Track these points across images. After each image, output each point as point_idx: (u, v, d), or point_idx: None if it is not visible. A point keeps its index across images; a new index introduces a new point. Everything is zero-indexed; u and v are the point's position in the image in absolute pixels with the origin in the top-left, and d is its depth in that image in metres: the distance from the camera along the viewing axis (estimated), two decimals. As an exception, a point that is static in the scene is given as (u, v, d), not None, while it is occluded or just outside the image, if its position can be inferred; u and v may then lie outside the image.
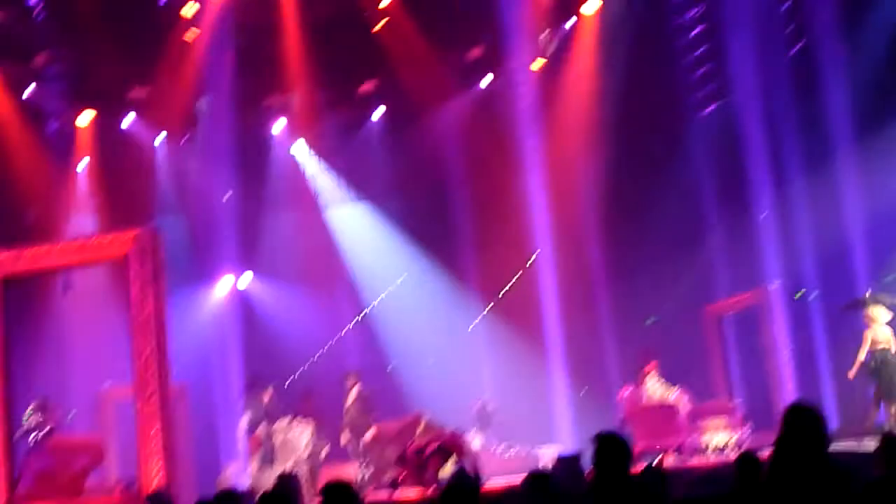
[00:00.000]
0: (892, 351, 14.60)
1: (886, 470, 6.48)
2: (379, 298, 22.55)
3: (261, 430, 16.32)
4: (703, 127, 19.54)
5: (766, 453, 11.75)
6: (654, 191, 20.65)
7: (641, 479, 7.10)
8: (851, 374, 14.88)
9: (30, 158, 19.01)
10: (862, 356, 14.72)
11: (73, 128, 19.77)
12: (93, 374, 18.89)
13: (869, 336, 14.77)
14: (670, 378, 16.70)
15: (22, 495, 12.47)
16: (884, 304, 14.91)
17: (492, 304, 22.26)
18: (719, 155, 18.89)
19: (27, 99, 19.37)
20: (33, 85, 19.34)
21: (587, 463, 11.16)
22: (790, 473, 4.89)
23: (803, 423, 5.39)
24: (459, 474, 12.73)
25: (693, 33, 19.42)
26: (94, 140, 19.97)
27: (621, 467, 5.66)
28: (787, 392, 16.68)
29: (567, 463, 11.06)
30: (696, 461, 13.89)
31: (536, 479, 5.57)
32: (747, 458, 7.38)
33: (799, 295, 17.97)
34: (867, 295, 15.22)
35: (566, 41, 20.40)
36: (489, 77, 21.21)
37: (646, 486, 6.80)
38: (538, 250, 20.59)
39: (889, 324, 14.82)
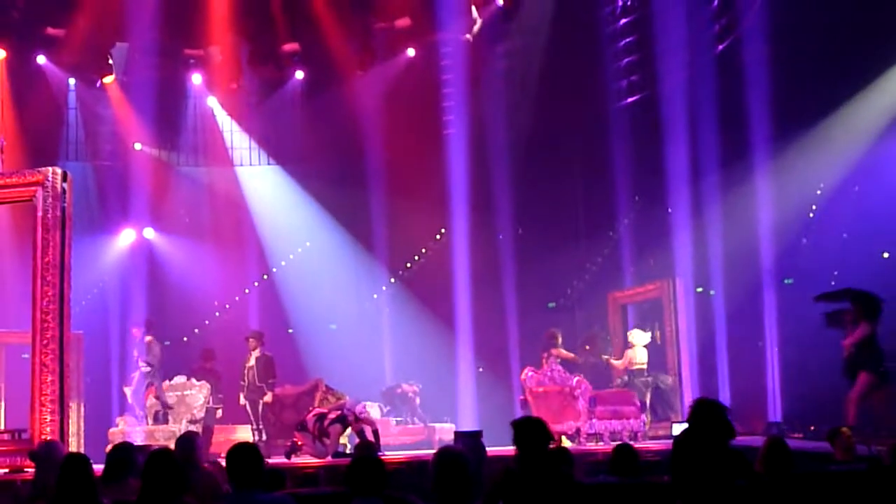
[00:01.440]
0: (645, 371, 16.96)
1: (766, 470, 6.63)
2: (284, 261, 22.35)
3: (156, 385, 16.08)
4: (623, 117, 19.60)
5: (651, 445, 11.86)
6: (570, 176, 20.79)
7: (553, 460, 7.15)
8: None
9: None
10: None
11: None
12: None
13: (629, 355, 16.99)
14: (571, 363, 16.82)
15: None
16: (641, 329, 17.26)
17: (399, 273, 22.22)
18: (637, 146, 18.99)
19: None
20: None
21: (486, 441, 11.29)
22: (695, 460, 4.96)
23: (711, 415, 5.62)
24: (362, 445, 12.70)
25: (622, 22, 19.47)
26: (5, 77, 19.38)
27: (544, 447, 5.70)
28: (685, 384, 16.90)
29: (468, 439, 11.08)
30: (592, 447, 13.99)
31: (448, 455, 5.51)
32: (623, 449, 7.53)
33: (701, 289, 18.19)
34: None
35: (495, 18, 20.31)
36: (414, 48, 21.03)
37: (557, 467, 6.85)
38: (445, 226, 20.60)
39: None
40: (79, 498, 5.88)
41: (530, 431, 5.77)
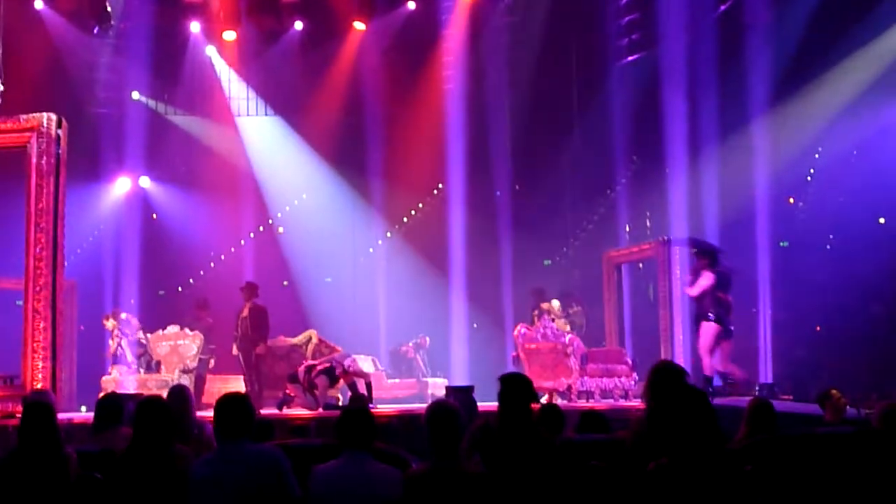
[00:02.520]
0: None
1: (749, 431, 6.67)
2: (281, 213, 22.33)
3: (148, 335, 16.11)
4: (623, 76, 19.54)
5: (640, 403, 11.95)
6: (567, 133, 20.75)
7: (541, 417, 7.19)
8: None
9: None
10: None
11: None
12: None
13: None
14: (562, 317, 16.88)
15: None
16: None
17: (395, 228, 22.21)
18: (636, 105, 18.94)
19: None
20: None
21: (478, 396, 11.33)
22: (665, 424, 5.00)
23: (670, 380, 5.70)
24: (354, 398, 12.74)
25: (623, -21, 19.36)
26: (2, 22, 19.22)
27: (525, 406, 5.73)
28: (676, 345, 16.92)
29: (460, 394, 11.12)
30: (583, 404, 14.04)
31: (440, 408, 5.53)
32: (590, 415, 7.59)
33: (696, 250, 18.19)
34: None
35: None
36: (413, 1, 20.88)
37: (545, 423, 6.89)
38: (443, 182, 20.59)
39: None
40: (40, 446, 5.88)
41: (514, 388, 5.79)
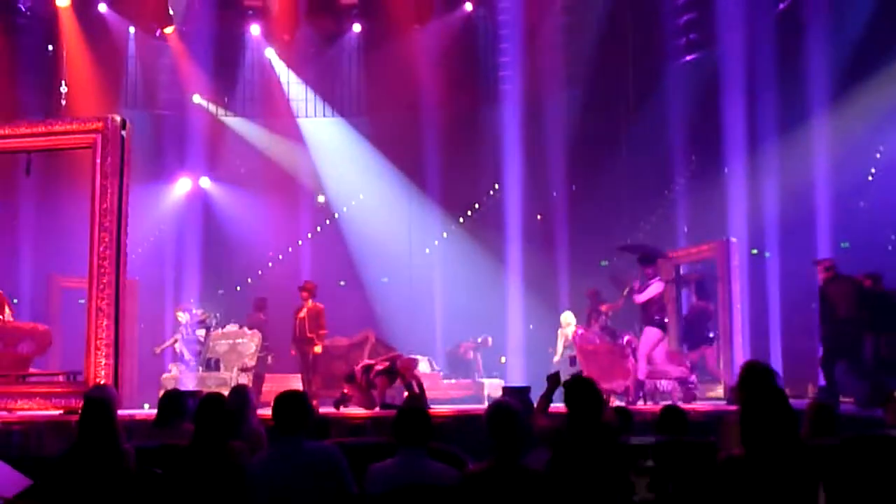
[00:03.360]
0: None
1: (811, 433, 6.63)
2: (338, 213, 22.46)
3: (210, 333, 16.29)
4: (681, 75, 19.42)
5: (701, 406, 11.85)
6: (624, 133, 20.66)
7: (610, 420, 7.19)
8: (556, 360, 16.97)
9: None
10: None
11: (47, 9, 19.29)
12: (43, 259, 18.70)
13: (564, 334, 17.28)
14: (622, 322, 16.78)
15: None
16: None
17: (452, 228, 22.24)
18: (694, 105, 18.82)
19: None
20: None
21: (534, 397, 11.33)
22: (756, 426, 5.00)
23: (760, 379, 5.66)
24: (411, 398, 12.78)
25: (681, -21, 19.27)
26: (69, 24, 19.53)
27: (596, 408, 5.72)
28: (735, 346, 16.79)
29: (517, 395, 11.12)
30: (642, 406, 13.98)
31: (502, 410, 5.55)
32: (671, 411, 7.54)
33: (756, 251, 18.05)
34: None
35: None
36: (471, 3, 20.95)
37: (614, 426, 6.88)
38: (499, 182, 20.60)
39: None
40: (99, 441, 5.98)
41: (582, 391, 5.79)
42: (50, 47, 19.66)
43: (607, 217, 20.65)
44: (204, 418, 5.91)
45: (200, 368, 16.11)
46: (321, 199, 22.37)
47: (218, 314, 17.32)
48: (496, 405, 5.65)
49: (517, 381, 17.20)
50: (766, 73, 17.10)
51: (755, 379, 5.90)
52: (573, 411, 5.76)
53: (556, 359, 17.43)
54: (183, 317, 16.60)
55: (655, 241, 19.79)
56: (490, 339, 19.23)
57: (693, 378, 15.52)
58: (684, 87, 19.10)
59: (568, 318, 17.61)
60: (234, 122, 21.94)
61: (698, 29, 19.07)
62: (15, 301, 18.27)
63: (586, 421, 5.68)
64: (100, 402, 6.17)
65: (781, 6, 17.72)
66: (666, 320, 14.57)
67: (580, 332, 15.50)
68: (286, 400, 5.76)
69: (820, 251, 16.50)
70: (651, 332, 14.27)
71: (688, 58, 19.38)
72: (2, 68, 18.52)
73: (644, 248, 15.68)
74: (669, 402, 10.90)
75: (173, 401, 7.62)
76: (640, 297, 14.40)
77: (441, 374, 18.46)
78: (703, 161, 19.40)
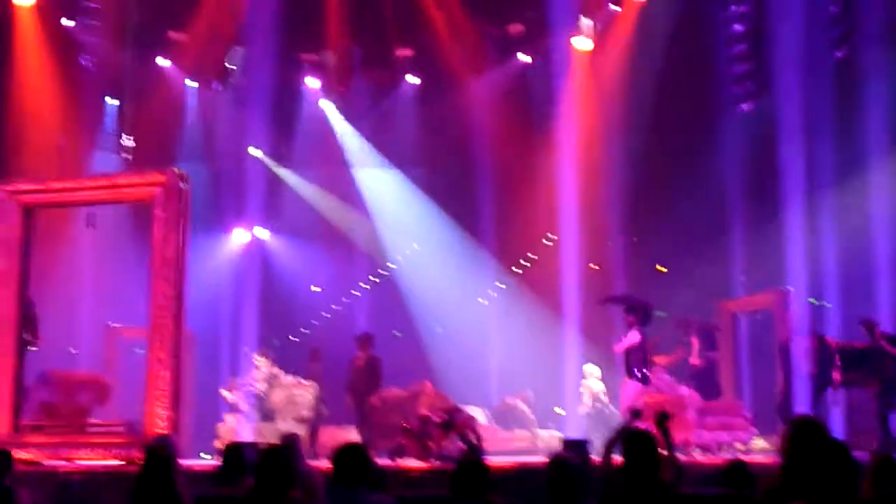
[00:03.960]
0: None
1: (873, 489, 6.48)
2: (393, 263, 22.53)
3: (265, 385, 16.33)
4: (737, 123, 19.37)
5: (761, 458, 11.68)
6: (680, 182, 20.50)
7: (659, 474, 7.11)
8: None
9: (61, 90, 18.94)
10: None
11: (107, 64, 19.62)
12: (102, 311, 18.89)
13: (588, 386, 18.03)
14: (679, 373, 16.64)
15: (25, 425, 12.48)
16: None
17: (507, 278, 22.20)
18: (751, 153, 18.74)
19: (64, 31, 19.26)
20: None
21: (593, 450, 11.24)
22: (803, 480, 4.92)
23: (807, 435, 5.56)
24: (470, 450, 12.70)
25: (736, 28, 19.20)
26: (128, 79, 19.86)
27: (652, 461, 5.66)
28: (796, 398, 16.57)
29: (575, 448, 11.03)
30: (700, 458, 13.83)
31: (561, 464, 5.50)
32: (737, 467, 7.41)
33: (814, 301, 17.84)
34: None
35: (608, 24, 20.24)
36: (527, 54, 21.04)
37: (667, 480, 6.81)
38: (555, 233, 20.54)
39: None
40: (160, 491, 6.02)
41: (639, 444, 5.73)
42: (111, 100, 19.99)
43: (664, 266, 20.53)
44: (265, 472, 5.90)
45: (257, 419, 16.14)
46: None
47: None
48: (555, 459, 5.61)
49: (574, 433, 17.04)
50: (823, 121, 16.99)
51: (806, 433, 5.78)
52: (630, 464, 5.71)
53: (581, 409, 17.40)
54: (261, 361, 16.63)
55: (712, 290, 19.65)
56: (531, 393, 19.08)
57: (753, 430, 15.36)
58: (740, 136, 19.04)
59: (591, 370, 17.93)
60: (290, 172, 22.15)
61: (755, 77, 19.01)
62: (74, 351, 18.49)
63: (643, 474, 5.62)
64: (159, 455, 6.21)
65: (839, 54, 17.63)
66: (647, 372, 14.34)
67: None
68: (346, 452, 5.75)
69: (881, 302, 16.31)
70: (630, 385, 14.14)
71: (744, 106, 19.32)
72: (65, 122, 18.85)
73: (630, 299, 15.57)
74: (732, 456, 10.75)
75: (236, 455, 7.56)
76: (619, 347, 14.44)
77: (497, 425, 18.35)
78: (760, 209, 19.25)
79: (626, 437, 5.79)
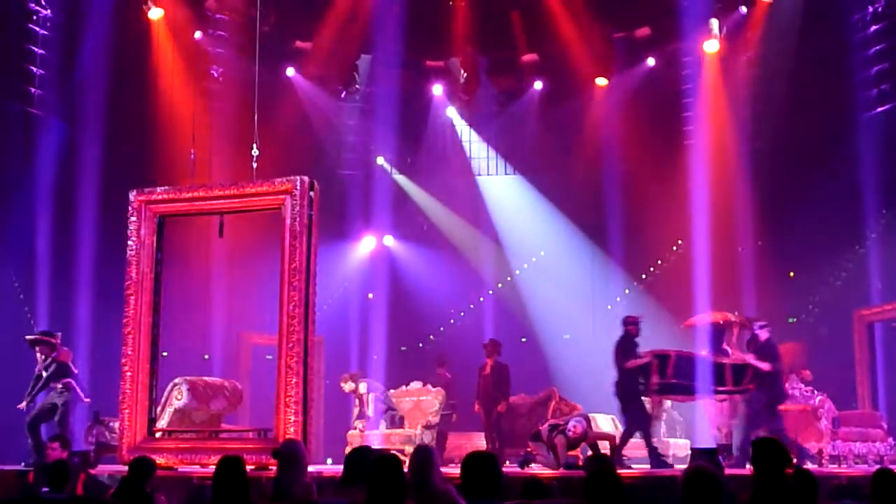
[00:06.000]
0: None
1: None
2: (520, 270, 22.49)
3: (393, 391, 16.41)
4: (872, 127, 18.84)
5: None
6: (813, 186, 20.03)
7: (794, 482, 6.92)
8: None
9: (193, 101, 19.34)
10: None
11: (238, 74, 19.96)
12: (232, 317, 19.22)
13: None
14: (812, 380, 16.24)
15: (160, 430, 12.75)
16: None
17: (634, 284, 21.98)
18: (886, 157, 18.22)
19: (195, 42, 19.69)
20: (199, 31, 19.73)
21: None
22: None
23: None
24: (599, 458, 12.57)
25: (872, 28, 18.69)
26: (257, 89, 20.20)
27: (781, 471, 5.52)
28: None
29: (705, 456, 10.85)
30: (835, 469, 13.47)
31: (701, 475, 5.38)
32: (884, 475, 7.13)
33: None
34: None
35: (739, 26, 19.91)
36: (654, 57, 20.83)
37: (798, 489, 6.62)
38: (682, 239, 20.29)
39: None
40: (230, 498, 6.10)
41: (769, 452, 5.59)
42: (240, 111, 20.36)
43: (796, 273, 20.09)
44: (378, 480, 5.82)
45: (383, 424, 16.24)
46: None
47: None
48: (694, 470, 5.49)
49: (704, 441, 16.75)
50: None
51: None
52: (760, 472, 5.56)
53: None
54: (347, 386, 16.67)
55: (847, 298, 19.13)
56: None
57: (892, 440, 14.92)
58: (876, 139, 18.51)
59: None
60: (416, 180, 22.29)
61: (891, 79, 18.48)
62: (207, 357, 18.86)
63: (773, 483, 5.48)
64: (230, 463, 6.34)
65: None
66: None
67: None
68: (477, 461, 5.70)
69: None
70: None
71: (879, 109, 18.78)
72: (198, 132, 19.24)
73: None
74: (880, 466, 10.39)
75: (359, 460, 7.55)
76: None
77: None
78: (896, 215, 18.74)
79: (757, 444, 5.65)
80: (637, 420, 14.03)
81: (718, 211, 19.39)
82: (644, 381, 13.87)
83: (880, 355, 17.71)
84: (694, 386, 14.01)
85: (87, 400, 13.96)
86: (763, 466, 5.59)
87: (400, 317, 20.95)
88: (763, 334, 14.24)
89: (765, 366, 13.88)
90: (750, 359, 14.05)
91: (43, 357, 13.63)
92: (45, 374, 13.54)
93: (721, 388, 14.08)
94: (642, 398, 14.18)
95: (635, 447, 17.05)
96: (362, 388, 16.20)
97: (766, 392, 13.88)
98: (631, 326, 14.33)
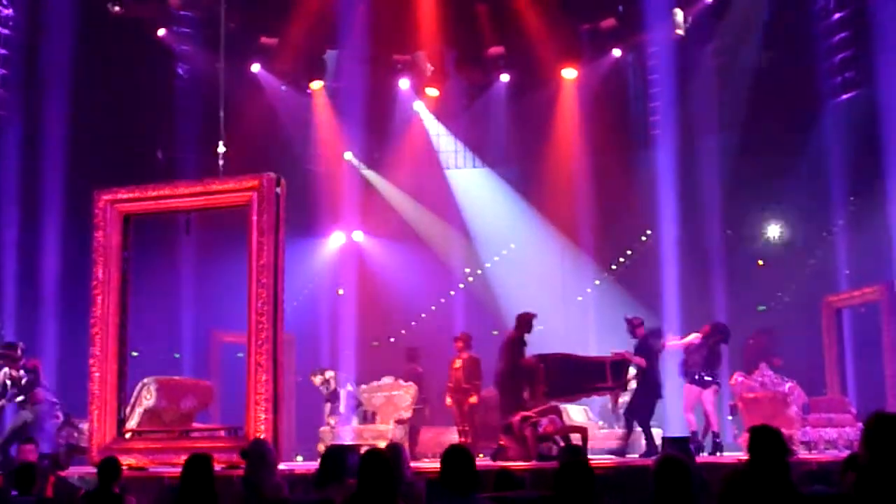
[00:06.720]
0: None
1: (870, 454, 6.14)
2: (489, 263, 22.48)
3: (364, 386, 16.38)
4: (838, 114, 18.94)
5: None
6: (780, 175, 20.17)
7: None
8: None
9: (158, 98, 19.25)
10: None
11: (204, 72, 19.85)
12: (202, 315, 19.12)
13: None
14: (782, 368, 16.32)
15: (129, 431, 12.66)
16: None
17: (604, 275, 22.02)
18: (852, 144, 18.32)
19: (159, 39, 19.58)
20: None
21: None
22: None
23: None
24: (571, 449, 12.55)
25: (836, 16, 18.78)
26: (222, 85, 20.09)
27: (781, 459, 5.49)
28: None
29: (676, 445, 10.87)
30: (805, 455, 13.53)
31: (671, 462, 5.38)
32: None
33: None
34: None
35: (703, 16, 19.95)
36: (620, 48, 20.86)
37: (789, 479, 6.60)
38: (651, 229, 20.36)
39: None
40: (198, 497, 6.08)
41: (768, 441, 5.56)
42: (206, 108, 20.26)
43: (765, 261, 20.19)
44: (367, 475, 5.81)
45: (356, 420, 16.20)
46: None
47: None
48: (665, 459, 5.49)
49: (675, 430, 16.80)
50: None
51: (886, 431, 5.53)
52: (757, 461, 5.53)
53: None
54: (317, 379, 16.66)
55: (815, 285, 19.26)
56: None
57: (860, 426, 14.97)
58: (841, 127, 18.62)
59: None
60: (384, 174, 22.23)
61: (854, 67, 18.57)
62: (177, 356, 18.76)
63: (772, 473, 5.45)
64: (199, 461, 6.34)
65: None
66: (705, 375, 14.45)
67: (740, 379, 15.09)
68: (455, 455, 5.70)
69: None
70: (689, 389, 14.57)
71: (844, 96, 18.88)
72: (162, 130, 19.14)
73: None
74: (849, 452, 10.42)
75: (336, 458, 7.54)
76: (673, 343, 14.81)
77: (598, 423, 18.19)
78: (864, 201, 18.84)
79: (753, 433, 5.62)
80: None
81: (688, 199, 19.47)
82: (531, 386, 14.13)
83: (848, 341, 17.79)
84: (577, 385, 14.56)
85: (59, 417, 13.82)
86: (762, 454, 5.54)
87: (370, 312, 20.89)
88: (639, 332, 14.53)
89: (640, 360, 14.29)
90: (627, 355, 14.38)
91: (6, 371, 13.52)
92: (9, 388, 13.44)
93: (601, 385, 14.54)
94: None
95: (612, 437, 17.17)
96: (329, 375, 16.21)
97: (640, 386, 14.55)
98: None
